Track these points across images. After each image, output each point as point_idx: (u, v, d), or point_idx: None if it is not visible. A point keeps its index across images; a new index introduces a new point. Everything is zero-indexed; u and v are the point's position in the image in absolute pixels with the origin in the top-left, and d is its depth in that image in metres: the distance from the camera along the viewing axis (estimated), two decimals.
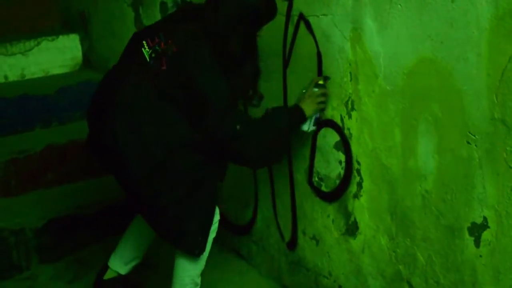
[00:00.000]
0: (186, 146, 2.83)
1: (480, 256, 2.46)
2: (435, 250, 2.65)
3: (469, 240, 2.49)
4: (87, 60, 5.15)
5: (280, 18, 3.12)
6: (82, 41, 5.15)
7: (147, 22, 4.28)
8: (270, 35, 3.16)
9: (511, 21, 2.18)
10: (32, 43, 4.93)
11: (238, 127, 2.79)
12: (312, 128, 3.06)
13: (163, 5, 4.07)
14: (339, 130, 2.99)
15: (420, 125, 2.59)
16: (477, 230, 2.45)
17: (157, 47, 2.82)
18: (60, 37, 5.08)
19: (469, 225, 2.48)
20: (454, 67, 2.41)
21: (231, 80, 2.83)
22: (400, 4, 2.56)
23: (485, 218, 2.41)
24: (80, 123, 4.66)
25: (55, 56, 5.04)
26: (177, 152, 2.82)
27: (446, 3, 2.38)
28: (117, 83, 2.87)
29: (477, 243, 2.46)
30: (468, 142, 2.41)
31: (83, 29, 5.16)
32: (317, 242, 3.28)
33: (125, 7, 4.52)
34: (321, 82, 2.97)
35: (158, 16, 4.14)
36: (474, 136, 2.39)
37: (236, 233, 3.91)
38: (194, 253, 2.99)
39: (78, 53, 5.16)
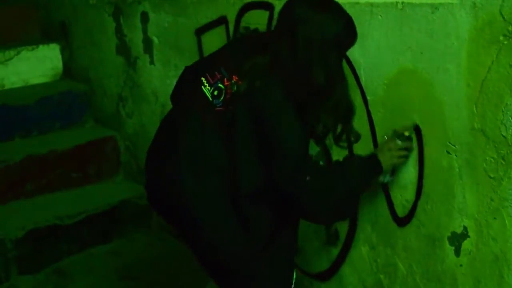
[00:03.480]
0: (253, 196, 2.43)
1: (461, 265, 2.48)
2: (416, 260, 2.66)
3: (450, 249, 2.50)
4: (68, 70, 5.12)
5: (262, 29, 3.13)
6: (62, 50, 5.11)
7: (128, 32, 4.27)
8: None
9: (490, 32, 2.20)
10: (11, 52, 4.89)
11: (308, 178, 2.39)
12: (389, 178, 2.67)
13: (144, 15, 4.07)
14: (320, 140, 2.99)
15: None
16: (457, 239, 2.46)
17: (219, 84, 2.44)
18: (40, 46, 5.05)
19: (449, 234, 2.50)
20: (434, 78, 2.42)
21: (311, 118, 2.41)
22: (380, 15, 2.58)
23: (465, 228, 2.43)
24: (60, 133, 4.65)
25: (35, 66, 5.00)
26: (245, 202, 2.43)
27: (426, 14, 2.40)
28: (179, 127, 2.50)
29: (457, 253, 2.48)
30: (448, 152, 2.43)
31: (63, 38, 5.13)
32: (299, 251, 3.28)
33: (106, 17, 4.50)
34: (406, 133, 2.59)
35: (139, 26, 4.14)
36: (454, 146, 2.40)
37: None
38: None
39: (59, 63, 5.12)
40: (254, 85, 2.35)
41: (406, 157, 2.63)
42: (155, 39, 4.02)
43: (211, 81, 2.46)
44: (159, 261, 3.94)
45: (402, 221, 2.68)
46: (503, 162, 2.24)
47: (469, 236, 2.42)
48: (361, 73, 2.71)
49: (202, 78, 2.47)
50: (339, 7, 2.39)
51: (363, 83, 2.71)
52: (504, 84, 2.19)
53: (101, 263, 4.02)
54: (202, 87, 2.46)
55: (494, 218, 2.32)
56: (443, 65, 2.38)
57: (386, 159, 2.59)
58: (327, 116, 2.40)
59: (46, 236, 3.97)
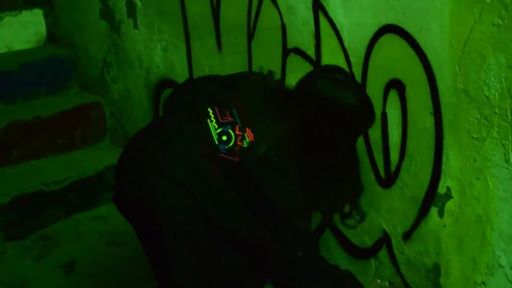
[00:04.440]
0: (234, 242, 2.44)
1: (444, 226, 2.48)
2: (400, 221, 2.66)
3: (433, 210, 2.51)
4: (52, 36, 5.07)
5: None
6: (46, 16, 5.05)
7: None
8: (233, 7, 3.14)
9: None
10: None
11: (300, 253, 2.39)
12: None
13: None
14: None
15: (384, 96, 2.59)
16: (440, 200, 2.47)
17: (230, 129, 2.40)
18: (23, 12, 4.98)
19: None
20: (417, 38, 2.40)
21: (319, 191, 2.50)
22: None
23: (448, 189, 2.43)
24: (45, 99, 4.62)
25: (18, 32, 4.94)
26: (223, 245, 2.43)
27: None
28: (170, 152, 2.41)
29: (440, 213, 2.48)
30: (432, 113, 2.42)
31: (46, 3, 5.07)
32: None
33: None
34: (386, 285, 2.79)
35: None
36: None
37: None
38: None
39: (42, 28, 5.06)
40: (269, 153, 2.34)
41: None
42: (138, 3, 3.97)
43: (220, 120, 2.42)
44: None
45: (386, 183, 2.68)
46: (486, 123, 2.24)
47: (452, 197, 2.43)
48: (344, 35, 2.68)
49: (209, 109, 2.44)
50: (360, 87, 2.57)
51: (346, 44, 2.69)
52: (487, 44, 2.18)
53: (88, 228, 4.02)
54: (208, 120, 2.42)
55: (477, 179, 2.32)
56: (426, 25, 2.36)
57: None
58: (327, 200, 2.58)
59: (32, 202, 3.95)
